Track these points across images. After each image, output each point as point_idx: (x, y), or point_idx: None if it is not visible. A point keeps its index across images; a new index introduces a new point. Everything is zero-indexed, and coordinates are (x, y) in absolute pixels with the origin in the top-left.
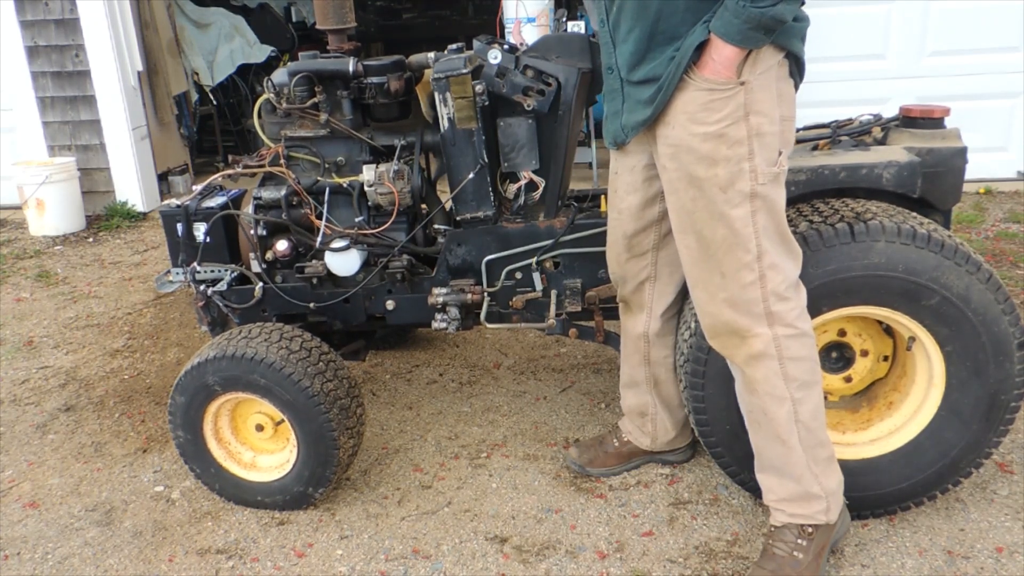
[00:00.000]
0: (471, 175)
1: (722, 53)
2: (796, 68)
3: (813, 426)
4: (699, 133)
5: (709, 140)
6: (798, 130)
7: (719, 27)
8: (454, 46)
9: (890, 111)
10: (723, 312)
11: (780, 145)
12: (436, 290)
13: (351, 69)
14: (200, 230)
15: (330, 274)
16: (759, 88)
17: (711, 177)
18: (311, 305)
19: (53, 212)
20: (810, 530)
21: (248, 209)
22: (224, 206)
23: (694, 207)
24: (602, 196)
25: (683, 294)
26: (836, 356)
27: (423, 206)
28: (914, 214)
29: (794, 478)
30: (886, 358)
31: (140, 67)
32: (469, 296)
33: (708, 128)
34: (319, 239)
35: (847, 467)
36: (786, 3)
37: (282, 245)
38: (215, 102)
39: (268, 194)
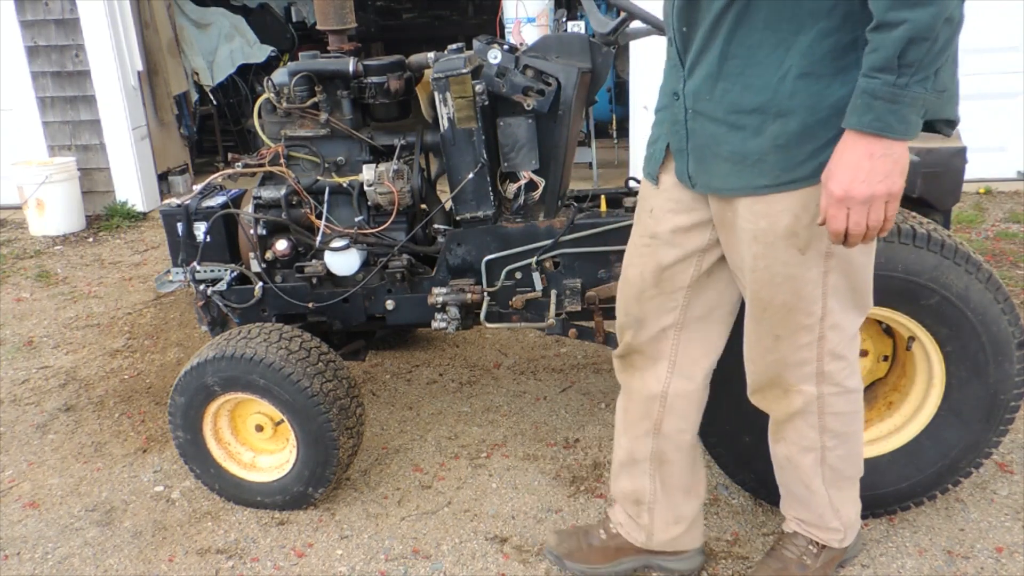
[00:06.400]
0: (471, 175)
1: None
2: None
3: (841, 466)
4: None
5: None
6: None
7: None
8: (454, 46)
9: None
10: (769, 370)
11: None
12: (436, 290)
13: (351, 69)
14: (200, 229)
15: (330, 274)
16: None
17: (791, 235)
18: (311, 305)
19: (53, 212)
20: (823, 544)
21: (248, 208)
22: (224, 205)
23: (756, 263)
24: (602, 196)
25: (716, 356)
26: None
27: (423, 206)
28: (913, 214)
29: (815, 514)
30: (886, 358)
31: (140, 67)
32: (469, 296)
33: None
34: (319, 239)
35: None
36: (945, 67)
37: (282, 245)
38: (215, 102)
39: (268, 193)
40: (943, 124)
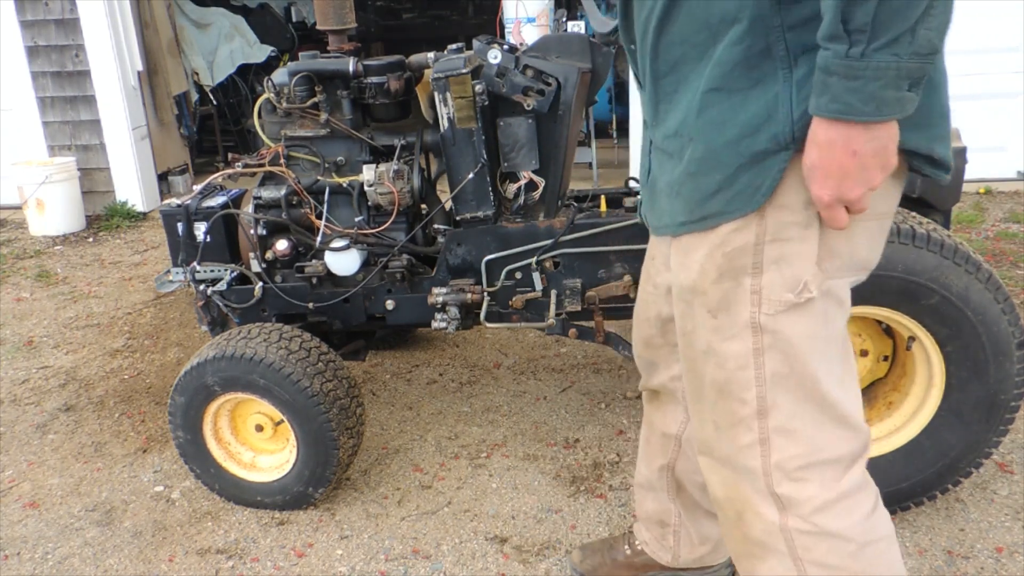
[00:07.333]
0: (471, 175)
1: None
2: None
3: None
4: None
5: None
6: None
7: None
8: (454, 46)
9: None
10: (721, 469)
11: (821, 258)
12: (436, 290)
13: (351, 69)
14: (200, 229)
15: (330, 274)
16: (792, 167)
17: (698, 292)
18: (310, 305)
19: (53, 212)
20: None
21: (248, 208)
22: (224, 205)
23: (684, 324)
24: (602, 196)
25: None
26: None
27: (423, 206)
28: (913, 214)
29: None
30: (886, 358)
31: (140, 67)
32: (469, 296)
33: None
34: (319, 239)
35: None
36: (928, 20)
37: (282, 245)
38: (215, 102)
39: (268, 194)
40: (923, 161)
